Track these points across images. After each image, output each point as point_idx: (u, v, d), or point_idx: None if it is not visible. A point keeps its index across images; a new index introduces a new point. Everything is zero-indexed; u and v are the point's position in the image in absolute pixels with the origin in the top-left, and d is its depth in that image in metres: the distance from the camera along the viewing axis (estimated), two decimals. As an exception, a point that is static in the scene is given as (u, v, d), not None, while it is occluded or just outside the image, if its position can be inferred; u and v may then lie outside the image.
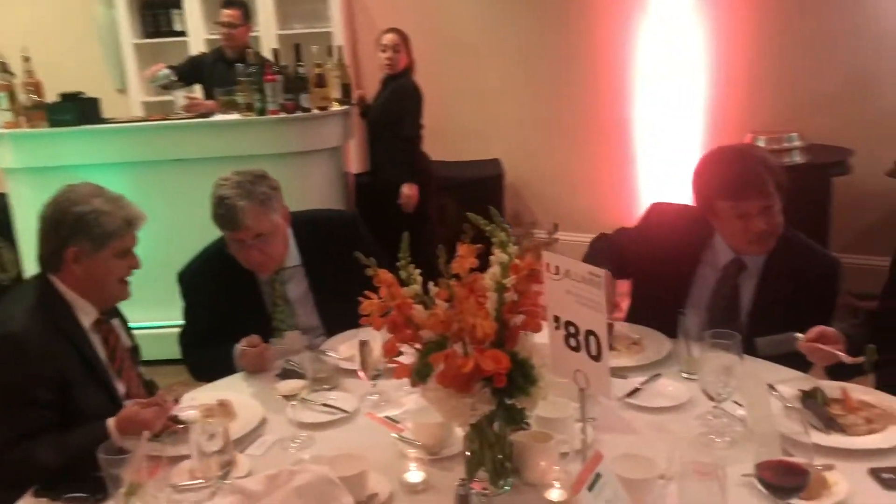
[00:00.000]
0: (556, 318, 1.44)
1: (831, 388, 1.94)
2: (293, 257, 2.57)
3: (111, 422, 1.89)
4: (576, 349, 1.41)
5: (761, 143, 4.41)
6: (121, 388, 2.18)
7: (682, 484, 1.33)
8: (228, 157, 4.16)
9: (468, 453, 1.67)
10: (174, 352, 2.61)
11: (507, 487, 1.63)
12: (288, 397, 1.90)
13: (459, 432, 1.83)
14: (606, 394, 1.44)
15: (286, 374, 2.25)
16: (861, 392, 1.93)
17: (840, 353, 1.97)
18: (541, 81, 5.50)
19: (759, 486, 1.55)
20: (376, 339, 2.03)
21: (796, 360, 2.13)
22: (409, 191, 4.59)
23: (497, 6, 5.57)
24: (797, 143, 4.36)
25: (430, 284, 1.60)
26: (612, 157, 5.39)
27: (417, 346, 1.62)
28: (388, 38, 4.64)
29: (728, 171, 2.31)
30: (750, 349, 2.05)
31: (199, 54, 5.21)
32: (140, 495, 1.61)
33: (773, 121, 4.54)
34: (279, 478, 1.61)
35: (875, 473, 1.63)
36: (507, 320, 1.52)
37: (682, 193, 4.97)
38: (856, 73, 4.50)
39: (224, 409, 2.03)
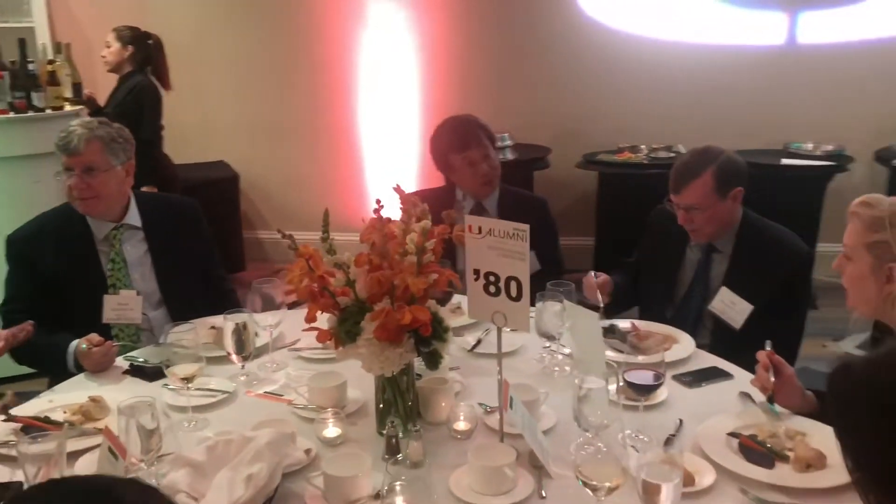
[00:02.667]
0: (476, 271, 1.73)
1: (623, 324, 2.46)
2: (133, 217, 2.66)
3: None
4: (495, 294, 1.71)
5: (478, 142, 5.04)
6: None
7: (583, 392, 1.70)
8: (-52, 160, 3.77)
9: (381, 405, 1.89)
10: None
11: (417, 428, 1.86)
12: (186, 380, 1.94)
13: (352, 393, 2.04)
14: (525, 327, 1.75)
15: (136, 371, 2.26)
16: (643, 324, 2.47)
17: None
18: (262, 84, 5.63)
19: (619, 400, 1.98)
20: (247, 323, 2.14)
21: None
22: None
23: (211, 7, 5.60)
24: (508, 143, 5.05)
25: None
26: (339, 157, 5.70)
27: (335, 312, 1.81)
28: (108, 38, 4.51)
29: (455, 131, 3.03)
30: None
31: None
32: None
33: (491, 122, 5.17)
34: (217, 448, 1.69)
35: (678, 378, 2.16)
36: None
37: (408, 188, 5.49)
38: (550, 81, 5.33)
39: (97, 404, 1.99)
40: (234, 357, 2.13)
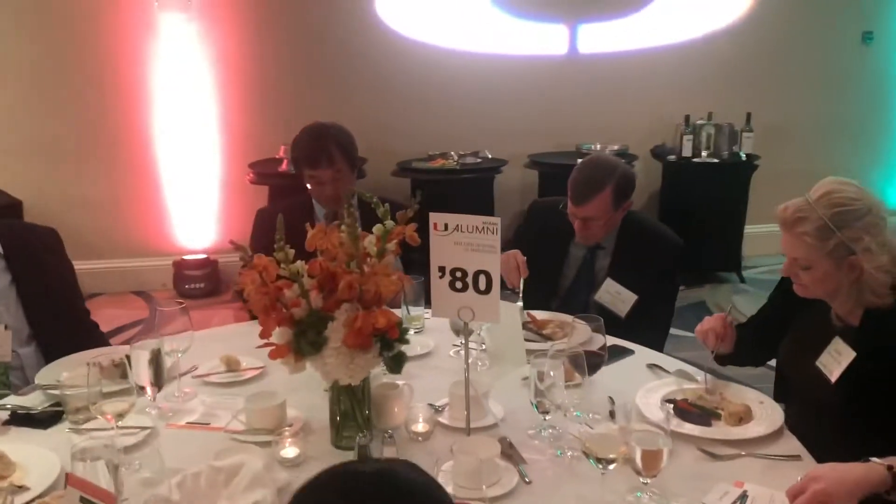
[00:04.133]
0: (441, 269, 1.73)
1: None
2: None
3: None
4: (462, 290, 1.72)
5: (293, 155, 4.97)
6: None
7: (550, 382, 1.77)
8: None
9: (338, 416, 1.83)
10: None
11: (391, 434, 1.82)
12: (119, 416, 1.74)
13: (291, 411, 1.95)
14: (496, 318, 1.77)
15: (21, 420, 1.99)
16: (537, 314, 2.59)
17: None
18: (41, 100, 5.09)
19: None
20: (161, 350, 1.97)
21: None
22: None
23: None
24: (323, 153, 5.00)
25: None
26: (135, 177, 5.31)
27: (290, 325, 1.72)
28: None
29: (307, 145, 2.82)
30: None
31: None
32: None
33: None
34: (186, 483, 1.56)
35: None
36: (384, 281, 1.74)
37: (210, 209, 5.26)
38: (357, 92, 5.36)
39: (1, 460, 1.72)
40: (149, 389, 1.95)
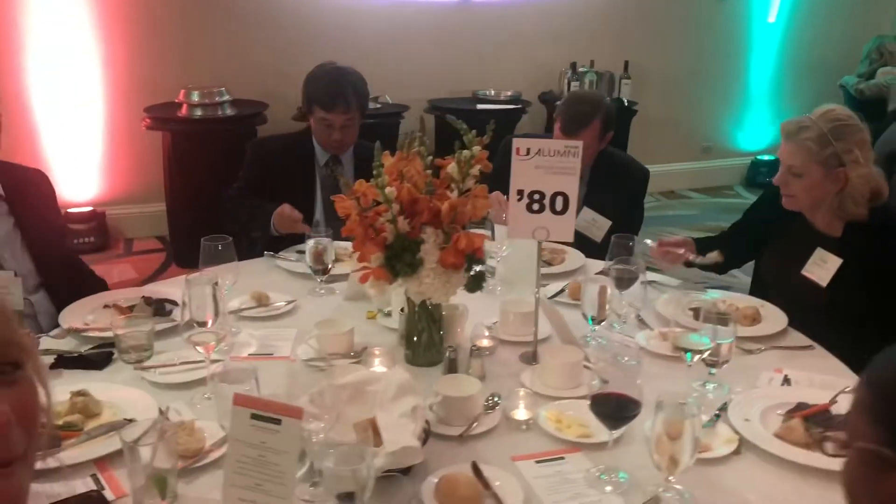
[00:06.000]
0: (520, 192, 1.84)
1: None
2: None
3: None
4: (538, 211, 1.84)
5: (195, 98, 4.77)
6: None
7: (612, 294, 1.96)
8: None
9: (415, 336, 1.91)
10: None
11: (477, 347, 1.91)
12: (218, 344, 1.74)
13: (358, 337, 2.01)
14: (569, 237, 1.89)
15: (72, 362, 1.94)
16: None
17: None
18: None
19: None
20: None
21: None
22: None
23: None
24: (226, 98, 4.84)
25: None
26: (7, 127, 4.84)
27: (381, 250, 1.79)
28: None
29: (327, 86, 2.88)
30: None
31: None
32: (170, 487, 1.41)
33: (204, 78, 4.91)
34: (315, 400, 1.60)
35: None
36: (468, 204, 1.84)
37: (95, 158, 4.94)
38: (253, 37, 5.20)
39: (89, 397, 1.68)
40: (210, 322, 1.92)
